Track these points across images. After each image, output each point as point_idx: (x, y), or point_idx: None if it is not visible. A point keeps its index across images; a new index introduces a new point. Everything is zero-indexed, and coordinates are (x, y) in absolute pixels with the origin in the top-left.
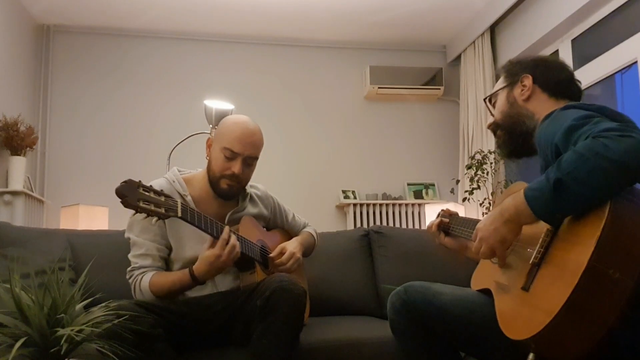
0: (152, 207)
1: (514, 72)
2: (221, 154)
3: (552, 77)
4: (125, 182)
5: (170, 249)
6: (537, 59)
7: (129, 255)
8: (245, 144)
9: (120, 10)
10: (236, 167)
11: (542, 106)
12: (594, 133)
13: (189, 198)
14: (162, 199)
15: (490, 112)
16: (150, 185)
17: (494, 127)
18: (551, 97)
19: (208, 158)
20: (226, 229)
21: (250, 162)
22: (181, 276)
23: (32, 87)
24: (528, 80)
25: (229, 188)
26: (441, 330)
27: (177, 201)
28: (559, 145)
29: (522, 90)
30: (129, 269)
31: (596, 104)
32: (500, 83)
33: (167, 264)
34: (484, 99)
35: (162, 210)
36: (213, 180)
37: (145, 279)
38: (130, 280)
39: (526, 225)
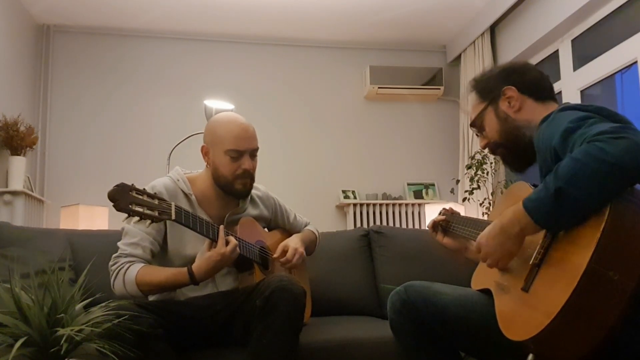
0: (145, 211)
1: (489, 88)
2: (226, 157)
3: (529, 80)
4: (117, 185)
5: (162, 246)
6: (505, 68)
7: (119, 243)
8: (246, 140)
9: (121, 10)
10: (245, 163)
11: (533, 112)
12: (589, 137)
13: (193, 197)
14: (156, 202)
15: (477, 134)
16: (144, 189)
17: (494, 147)
18: (537, 101)
19: (209, 165)
20: (221, 228)
21: (254, 154)
22: (177, 274)
23: (32, 87)
24: (512, 91)
25: (244, 187)
26: (441, 330)
27: (171, 204)
28: (557, 149)
29: (509, 103)
30: (114, 255)
31: (594, 105)
32: (478, 103)
33: (164, 262)
34: (470, 125)
35: (156, 214)
36: (226, 185)
37: (133, 270)
38: (113, 267)
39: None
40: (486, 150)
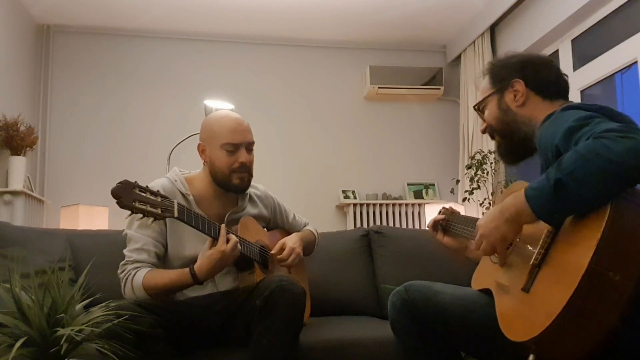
0: (148, 208)
1: (501, 76)
2: (222, 152)
3: (542, 78)
4: (120, 182)
5: (166, 248)
6: (523, 59)
7: (124, 250)
8: (241, 133)
9: (121, 10)
10: (242, 156)
11: (537, 110)
12: (595, 134)
13: (191, 198)
14: (159, 199)
15: (481, 118)
16: (147, 186)
17: (491, 131)
18: (545, 99)
19: (206, 163)
20: (222, 227)
21: (250, 147)
22: (180, 275)
23: (32, 87)
24: (520, 85)
25: (241, 181)
26: (441, 329)
27: (173, 201)
28: (559, 147)
29: (514, 96)
30: (122, 262)
31: (596, 104)
32: (488, 88)
33: (164, 263)
34: (474, 107)
35: (159, 211)
36: (223, 180)
37: (139, 275)
38: (121, 275)
39: (527, 224)
40: (487, 151)
